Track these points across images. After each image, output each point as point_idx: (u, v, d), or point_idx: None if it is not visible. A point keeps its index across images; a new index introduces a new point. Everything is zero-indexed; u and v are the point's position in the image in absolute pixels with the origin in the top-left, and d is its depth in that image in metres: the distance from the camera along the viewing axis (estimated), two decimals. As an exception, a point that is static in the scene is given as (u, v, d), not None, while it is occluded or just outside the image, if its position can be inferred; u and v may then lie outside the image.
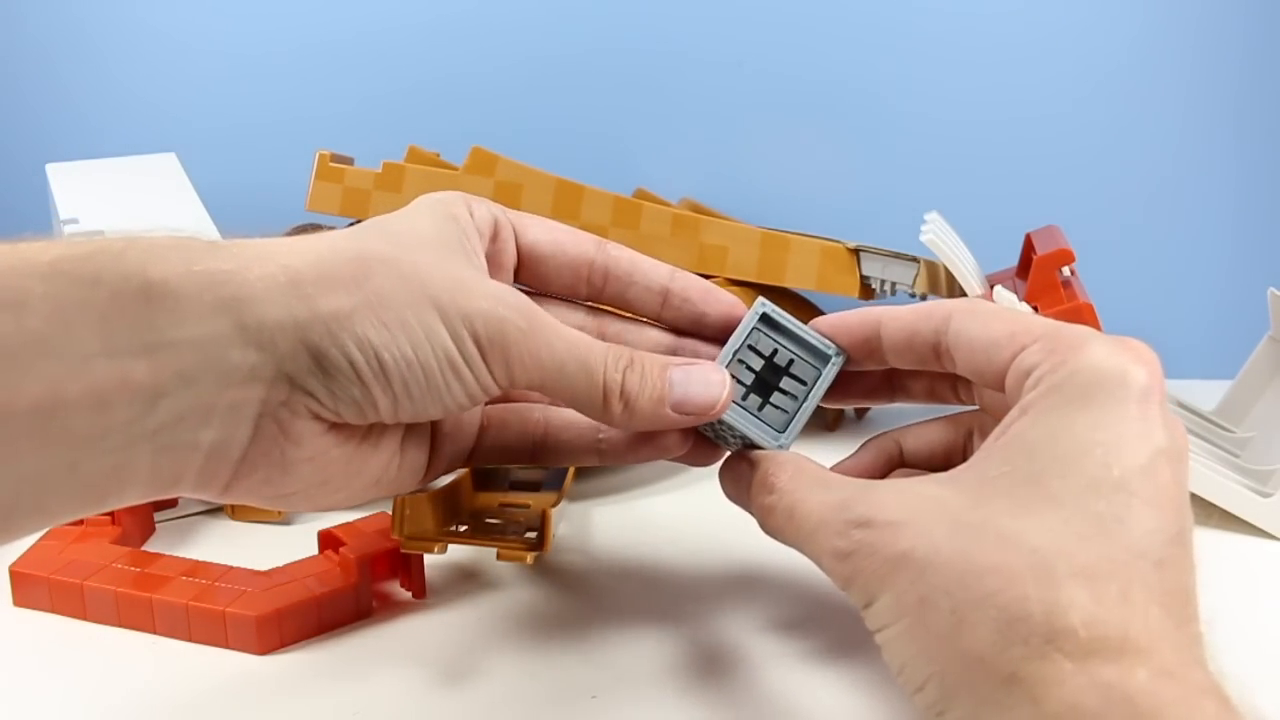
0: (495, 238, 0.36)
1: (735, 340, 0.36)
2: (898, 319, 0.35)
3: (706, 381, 0.34)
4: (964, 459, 0.32)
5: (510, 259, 0.37)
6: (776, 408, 0.36)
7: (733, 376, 0.35)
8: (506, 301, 0.32)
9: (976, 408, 0.37)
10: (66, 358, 0.26)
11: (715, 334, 0.38)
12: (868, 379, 0.37)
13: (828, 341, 0.36)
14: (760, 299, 0.37)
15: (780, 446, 0.35)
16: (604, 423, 0.34)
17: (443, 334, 0.31)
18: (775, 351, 0.36)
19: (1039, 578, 0.26)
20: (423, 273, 0.31)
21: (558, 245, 0.37)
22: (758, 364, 0.36)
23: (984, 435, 0.35)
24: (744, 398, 0.36)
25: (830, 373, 0.36)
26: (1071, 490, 0.28)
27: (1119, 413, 0.28)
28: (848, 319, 0.36)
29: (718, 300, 0.38)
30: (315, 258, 0.30)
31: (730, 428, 0.35)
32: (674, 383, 0.34)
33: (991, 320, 0.32)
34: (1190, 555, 0.28)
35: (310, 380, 0.30)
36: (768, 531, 0.34)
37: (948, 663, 0.27)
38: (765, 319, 0.36)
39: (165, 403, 0.28)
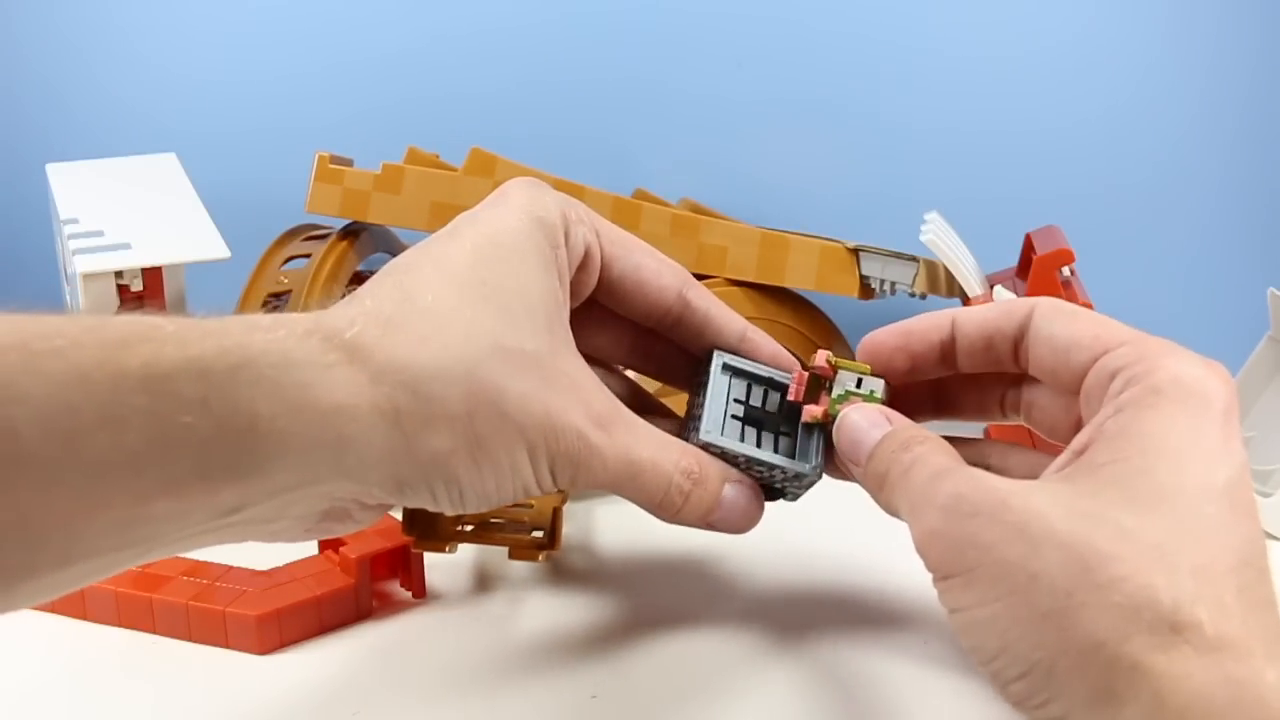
0: (583, 268, 0.36)
1: (712, 399, 0.37)
2: (975, 316, 0.35)
3: (747, 513, 0.36)
4: None
5: (589, 289, 0.37)
6: (785, 434, 0.37)
7: (734, 418, 0.37)
8: (590, 435, 0.32)
9: (1018, 422, 0.37)
10: (159, 476, 0.26)
11: None
12: (912, 397, 0.37)
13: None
14: (716, 351, 0.37)
15: (815, 468, 0.36)
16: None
17: (527, 471, 0.32)
18: (765, 399, 0.37)
19: (1165, 570, 0.26)
20: (523, 415, 0.31)
21: (639, 286, 0.37)
22: (742, 410, 0.37)
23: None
24: (758, 442, 0.37)
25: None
26: (1184, 490, 0.28)
27: (1211, 426, 0.29)
28: (918, 324, 0.36)
29: (786, 366, 0.38)
30: (425, 392, 0.30)
31: (769, 465, 0.36)
32: (723, 502, 0.36)
33: (1075, 320, 0.33)
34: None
35: (389, 497, 0.31)
36: (870, 477, 0.33)
37: (1059, 647, 0.26)
38: (727, 370, 0.37)
39: (247, 510, 0.29)
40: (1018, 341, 0.34)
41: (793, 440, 0.37)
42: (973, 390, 0.37)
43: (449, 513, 0.32)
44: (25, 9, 0.68)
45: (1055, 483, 0.29)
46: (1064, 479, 0.29)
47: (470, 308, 0.31)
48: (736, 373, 0.37)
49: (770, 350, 0.38)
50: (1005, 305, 0.34)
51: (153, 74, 0.69)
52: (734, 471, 0.36)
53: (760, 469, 0.36)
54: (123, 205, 0.51)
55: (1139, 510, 0.27)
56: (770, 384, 0.38)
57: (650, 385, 0.44)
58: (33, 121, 0.70)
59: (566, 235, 0.34)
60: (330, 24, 0.68)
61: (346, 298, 0.32)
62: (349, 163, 0.55)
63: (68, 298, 0.52)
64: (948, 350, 0.36)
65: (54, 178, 0.54)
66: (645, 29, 0.67)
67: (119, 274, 0.47)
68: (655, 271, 0.37)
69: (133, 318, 0.27)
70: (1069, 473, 0.30)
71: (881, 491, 0.32)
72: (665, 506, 0.35)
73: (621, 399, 0.35)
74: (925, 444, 0.32)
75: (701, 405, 0.36)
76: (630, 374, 0.42)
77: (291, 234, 0.58)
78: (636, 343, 0.39)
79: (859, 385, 0.36)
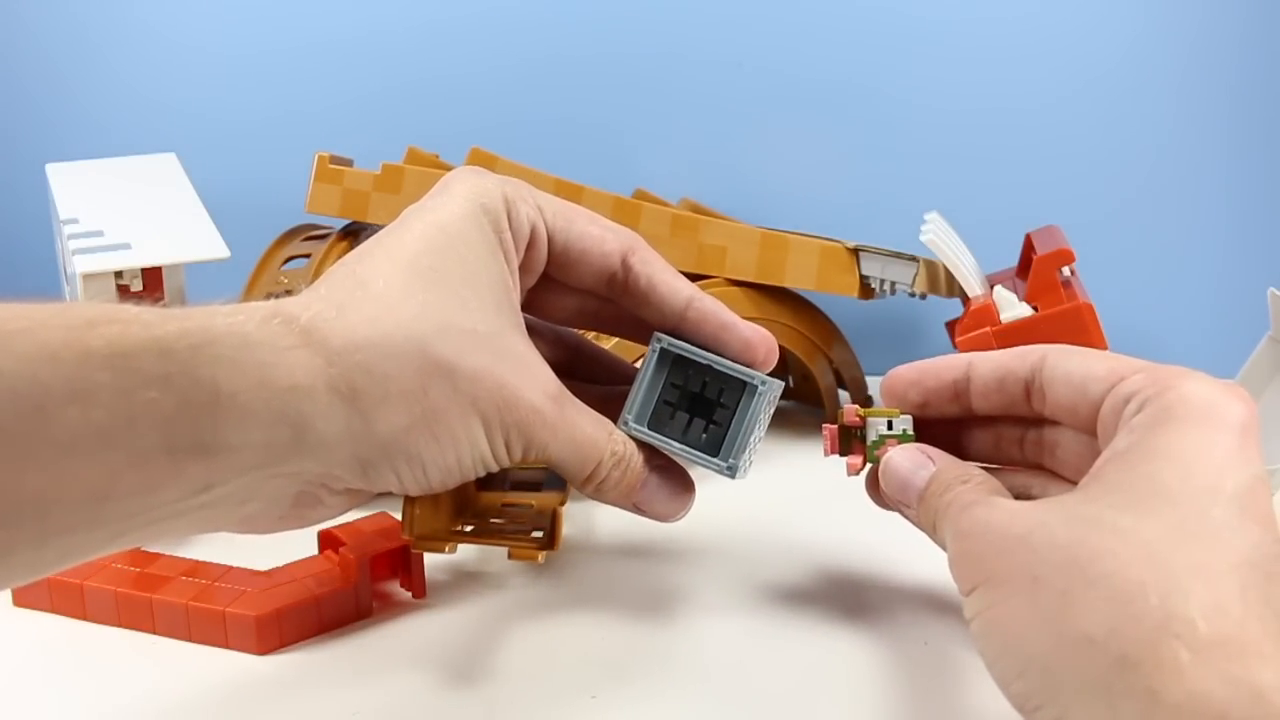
0: (531, 245, 0.36)
1: (648, 383, 0.37)
2: (989, 360, 0.36)
3: (671, 500, 0.38)
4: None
5: (540, 264, 0.37)
6: (716, 424, 0.38)
7: (666, 403, 0.37)
8: (543, 409, 0.34)
9: (1036, 465, 0.37)
10: (126, 450, 0.27)
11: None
12: (934, 442, 0.37)
13: (747, 370, 0.37)
14: (657, 334, 0.37)
15: (730, 467, 0.37)
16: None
17: (483, 444, 0.33)
18: (703, 386, 0.37)
19: (1154, 566, 0.26)
20: (476, 387, 0.32)
21: (583, 255, 0.37)
22: (677, 395, 0.38)
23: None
24: (685, 429, 0.37)
25: (767, 392, 0.37)
26: (1188, 492, 0.28)
27: (1224, 438, 0.29)
28: (935, 364, 0.37)
29: (735, 336, 0.37)
30: (379, 370, 0.31)
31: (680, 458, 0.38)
32: (647, 484, 0.37)
33: (1089, 356, 0.34)
34: None
35: (355, 480, 0.32)
36: (923, 523, 0.35)
37: (1053, 644, 0.27)
38: (666, 355, 0.37)
39: (215, 489, 0.29)
40: (1029, 383, 0.35)
41: (725, 428, 0.37)
42: (991, 434, 0.38)
43: (414, 492, 0.33)
44: (25, 9, 0.68)
45: (1066, 496, 0.30)
46: (1075, 491, 0.30)
47: (420, 292, 0.32)
48: (677, 359, 0.37)
49: (717, 320, 0.37)
50: (1020, 349, 0.36)
51: (153, 73, 0.69)
52: (662, 458, 0.38)
53: (681, 454, 0.37)
54: (123, 205, 0.51)
55: (1139, 511, 0.28)
56: (708, 371, 0.37)
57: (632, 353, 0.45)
58: (32, 121, 0.70)
59: (510, 217, 0.35)
60: (330, 25, 0.68)
61: (303, 293, 0.33)
62: (349, 163, 0.55)
63: (68, 297, 0.52)
64: (961, 389, 0.37)
65: (54, 178, 0.54)
66: (645, 29, 0.67)
67: (119, 274, 0.47)
68: (598, 239, 0.37)
69: (97, 303, 0.28)
70: (1080, 485, 0.30)
71: (935, 534, 0.34)
72: (590, 481, 0.36)
73: (570, 366, 0.37)
74: (967, 483, 0.33)
75: (635, 392, 0.37)
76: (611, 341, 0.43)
77: (291, 234, 0.58)
78: (600, 310, 0.40)
79: (890, 428, 0.37)
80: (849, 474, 0.38)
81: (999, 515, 0.30)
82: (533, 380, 0.34)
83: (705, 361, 0.37)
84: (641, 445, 0.37)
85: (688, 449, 0.37)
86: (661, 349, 0.37)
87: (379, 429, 0.31)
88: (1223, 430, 0.29)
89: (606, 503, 0.37)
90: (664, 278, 0.38)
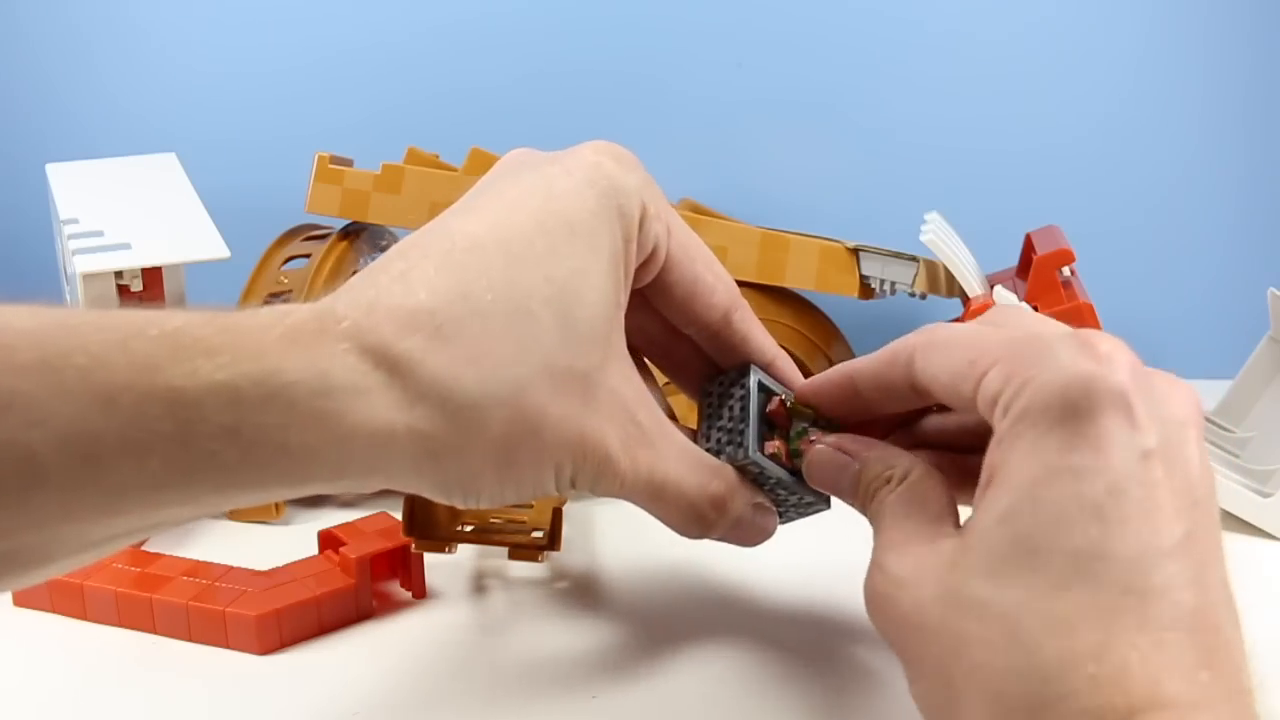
0: (645, 263, 0.33)
1: (756, 417, 0.36)
2: (866, 368, 0.34)
3: (762, 533, 0.36)
4: None
5: (641, 283, 0.34)
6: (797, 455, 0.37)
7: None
8: (617, 459, 0.31)
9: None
10: (177, 496, 0.26)
11: None
12: (867, 427, 0.36)
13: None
14: (753, 366, 0.36)
15: (826, 499, 0.37)
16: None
17: (550, 485, 0.31)
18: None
19: (1014, 646, 0.25)
20: (557, 435, 0.30)
21: (689, 298, 0.35)
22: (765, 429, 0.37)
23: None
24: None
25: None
26: (1043, 531, 0.26)
27: (1092, 426, 0.26)
28: (822, 381, 0.36)
29: (813, 396, 0.37)
30: (464, 419, 0.28)
31: (799, 492, 0.36)
32: (740, 522, 0.35)
33: (950, 350, 0.30)
34: (1202, 556, 0.26)
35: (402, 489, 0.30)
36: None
37: None
38: (762, 387, 0.36)
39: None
40: (912, 385, 0.32)
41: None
42: (933, 422, 0.36)
43: (460, 507, 0.32)
44: (25, 9, 0.68)
45: (946, 546, 0.29)
46: (955, 540, 0.29)
47: (529, 314, 0.29)
48: (762, 389, 0.36)
49: (789, 379, 0.37)
50: (891, 350, 0.33)
51: (153, 74, 0.69)
52: (757, 494, 0.36)
53: (782, 491, 0.36)
54: (123, 205, 0.51)
55: (996, 577, 0.26)
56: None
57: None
58: (32, 121, 0.70)
59: (641, 229, 0.32)
60: (330, 24, 0.68)
61: (399, 274, 0.29)
62: (349, 163, 0.55)
63: (68, 298, 0.52)
64: (859, 405, 0.35)
65: (54, 178, 0.54)
66: (645, 28, 0.67)
67: (119, 274, 0.47)
68: (709, 288, 0.35)
69: (162, 333, 0.25)
70: (964, 527, 0.29)
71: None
72: (687, 531, 0.35)
73: None
74: (889, 483, 0.32)
75: (743, 421, 0.35)
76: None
77: (291, 234, 0.58)
78: (659, 336, 0.37)
79: (814, 421, 0.36)
80: (767, 452, 0.36)
81: (883, 586, 0.30)
82: (617, 425, 0.31)
83: (784, 395, 0.36)
84: (743, 478, 0.36)
85: (804, 488, 0.36)
86: (759, 381, 0.36)
87: (449, 470, 0.29)
88: (1084, 422, 0.26)
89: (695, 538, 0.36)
90: (758, 334, 0.37)
